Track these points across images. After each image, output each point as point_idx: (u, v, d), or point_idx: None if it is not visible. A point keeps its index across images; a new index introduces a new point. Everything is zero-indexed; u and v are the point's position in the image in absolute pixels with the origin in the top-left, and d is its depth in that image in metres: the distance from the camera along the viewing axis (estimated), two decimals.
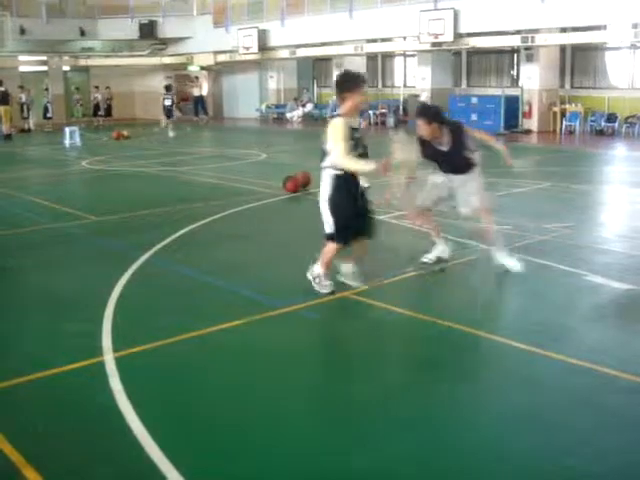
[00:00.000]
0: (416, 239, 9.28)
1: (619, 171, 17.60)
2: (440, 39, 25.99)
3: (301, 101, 36.14)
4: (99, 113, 34.27)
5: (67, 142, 24.35)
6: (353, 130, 6.60)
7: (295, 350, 5.75)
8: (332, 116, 6.96)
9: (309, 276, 6.96)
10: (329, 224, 6.74)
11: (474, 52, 30.15)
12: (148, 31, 36.64)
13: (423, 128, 7.49)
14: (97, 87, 34.78)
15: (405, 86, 32.86)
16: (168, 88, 31.48)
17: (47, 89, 33.86)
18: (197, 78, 36.67)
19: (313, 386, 5.08)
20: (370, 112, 31.25)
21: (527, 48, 26.93)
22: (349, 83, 6.71)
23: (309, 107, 35.30)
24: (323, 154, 6.66)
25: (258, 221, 10.88)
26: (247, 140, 26.98)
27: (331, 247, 6.78)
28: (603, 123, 26.34)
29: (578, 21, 23.13)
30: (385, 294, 7.05)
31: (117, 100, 36.60)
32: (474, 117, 28.17)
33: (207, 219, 10.57)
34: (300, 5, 31.57)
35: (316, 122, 31.88)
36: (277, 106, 37.20)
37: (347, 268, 7.15)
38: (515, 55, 29.55)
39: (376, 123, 31.47)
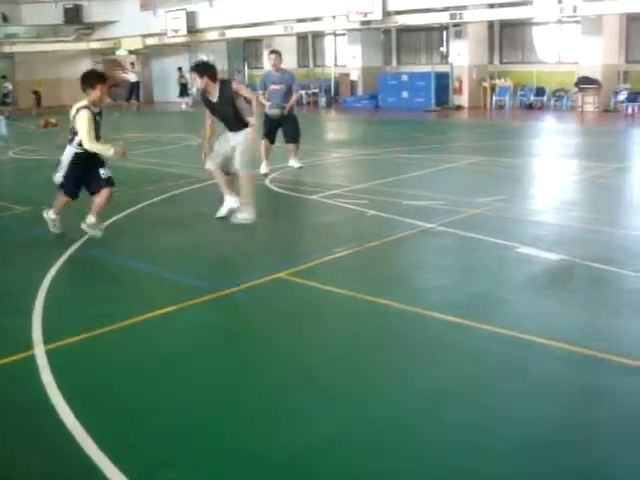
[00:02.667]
0: (349, 217, 9.32)
1: (549, 144, 17.90)
2: (369, 17, 26.01)
3: None
4: (7, 101, 32.46)
5: None
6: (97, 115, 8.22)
7: (229, 333, 5.72)
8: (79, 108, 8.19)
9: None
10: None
11: (403, 30, 30.27)
12: (73, 15, 35.85)
13: (198, 81, 8.84)
14: (5, 77, 33.33)
15: (336, 65, 32.85)
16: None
17: None
18: (132, 64, 36.06)
19: (248, 367, 5.03)
20: (302, 92, 31.17)
21: (456, 25, 27.17)
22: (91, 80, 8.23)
23: None
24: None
25: (190, 206, 10.75)
26: (178, 124, 26.65)
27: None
28: (532, 97, 26.80)
29: None
30: (319, 273, 7.04)
31: (44, 87, 35.78)
32: (405, 95, 28.40)
33: (139, 205, 10.41)
34: None
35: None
36: None
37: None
38: (444, 32, 29.76)
39: (308, 103, 31.42)
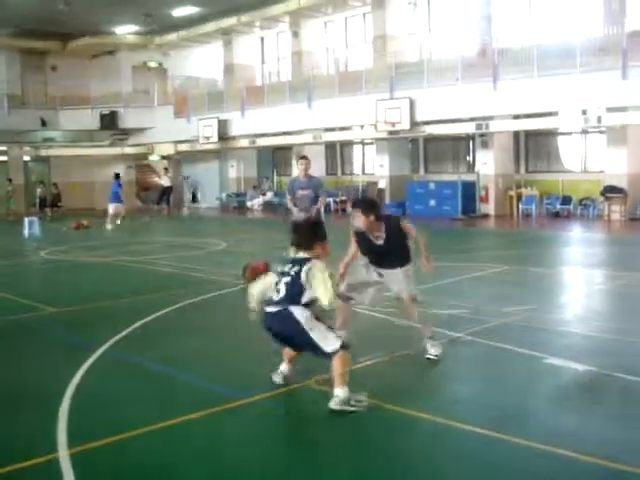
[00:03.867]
0: (377, 326, 9.31)
1: (575, 253, 17.90)
2: (397, 127, 26.59)
3: (261, 190, 36.45)
4: (44, 204, 33.14)
5: (26, 232, 24.16)
6: None
7: (255, 441, 5.65)
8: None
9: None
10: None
11: (431, 139, 30.79)
12: (109, 121, 37.00)
13: (359, 220, 7.50)
14: (42, 182, 34.30)
15: (364, 173, 33.34)
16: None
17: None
18: (167, 169, 36.87)
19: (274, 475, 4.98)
20: (330, 200, 31.62)
21: (482, 134, 27.63)
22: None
23: (269, 195, 35.60)
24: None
25: (216, 311, 10.82)
26: (207, 229, 27.04)
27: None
28: (558, 206, 26.95)
29: (530, 108, 23.87)
30: (348, 382, 6.99)
31: (77, 189, 36.67)
32: (432, 203, 28.67)
33: (165, 309, 10.47)
34: (260, 96, 32.21)
35: (276, 210, 32.13)
36: (237, 194, 37.45)
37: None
38: (470, 141, 30.26)
39: (336, 210, 31.78)
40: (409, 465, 5.18)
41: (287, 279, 6.35)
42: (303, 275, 6.27)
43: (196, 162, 39.22)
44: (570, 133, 27.91)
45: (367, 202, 7.77)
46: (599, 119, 23.55)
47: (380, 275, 7.74)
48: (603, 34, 23.92)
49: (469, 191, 27.90)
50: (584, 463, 4.98)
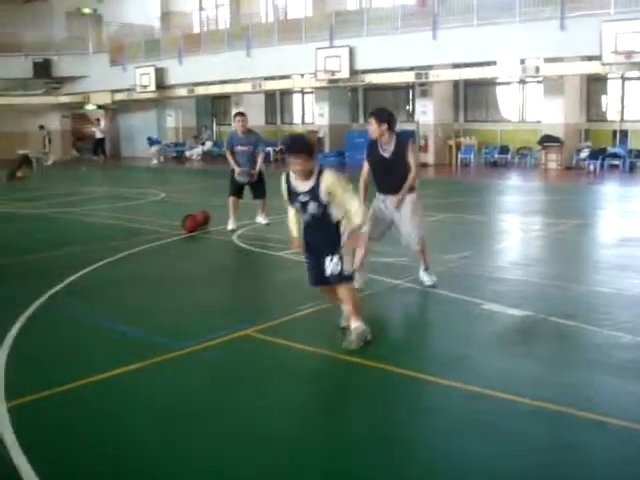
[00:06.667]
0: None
1: (512, 201, 18.16)
2: (337, 76, 26.41)
3: (200, 139, 36.01)
4: None
5: None
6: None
7: (193, 391, 5.63)
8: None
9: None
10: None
11: (370, 88, 30.70)
12: (42, 70, 35.97)
13: (372, 128, 8.02)
14: None
15: (303, 123, 33.14)
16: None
17: None
18: (98, 120, 36.08)
19: (217, 429, 4.98)
20: (270, 149, 31.36)
21: (421, 84, 27.63)
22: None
23: (208, 145, 35.20)
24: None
25: (156, 262, 10.71)
26: (145, 179, 26.66)
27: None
28: (496, 155, 27.24)
29: (469, 57, 23.91)
30: (286, 330, 7.01)
31: (9, 139, 35.67)
32: None
33: (103, 261, 10.32)
34: (197, 43, 31.63)
35: (216, 160, 31.81)
36: (176, 144, 36.96)
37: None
38: (410, 90, 30.25)
39: (276, 160, 31.61)
40: (351, 411, 5.23)
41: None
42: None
43: (133, 112, 38.46)
44: (508, 83, 28.13)
45: (382, 112, 8.15)
46: (537, 69, 23.77)
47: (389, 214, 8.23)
48: None
49: None
50: (521, 405, 5.09)
